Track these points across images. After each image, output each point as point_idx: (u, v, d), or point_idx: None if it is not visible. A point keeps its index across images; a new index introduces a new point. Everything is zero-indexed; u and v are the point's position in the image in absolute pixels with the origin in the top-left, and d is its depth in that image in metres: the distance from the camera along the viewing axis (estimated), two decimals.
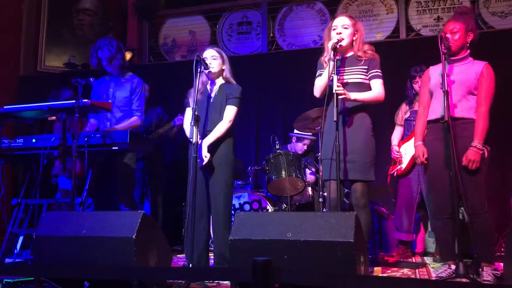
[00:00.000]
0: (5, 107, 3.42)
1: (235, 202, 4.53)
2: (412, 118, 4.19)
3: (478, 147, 2.95)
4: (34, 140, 3.48)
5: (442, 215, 3.05)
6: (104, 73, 3.94)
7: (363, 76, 3.14)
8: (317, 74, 3.24)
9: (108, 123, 3.81)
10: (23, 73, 6.26)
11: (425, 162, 3.14)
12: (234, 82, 3.42)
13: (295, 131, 4.79)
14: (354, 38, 3.16)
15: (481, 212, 2.97)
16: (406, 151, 4.16)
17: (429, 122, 3.17)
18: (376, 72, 3.15)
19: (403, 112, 4.30)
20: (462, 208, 3.55)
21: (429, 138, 3.16)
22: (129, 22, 6.54)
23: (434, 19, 5.55)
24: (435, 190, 3.10)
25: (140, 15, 6.50)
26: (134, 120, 3.79)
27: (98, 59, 3.81)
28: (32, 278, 2.73)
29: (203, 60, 3.23)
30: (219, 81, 3.40)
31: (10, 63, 6.09)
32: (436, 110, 3.10)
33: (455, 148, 2.93)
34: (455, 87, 3.05)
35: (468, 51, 3.14)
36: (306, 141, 4.93)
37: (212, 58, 3.34)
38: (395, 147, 4.26)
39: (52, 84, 5.39)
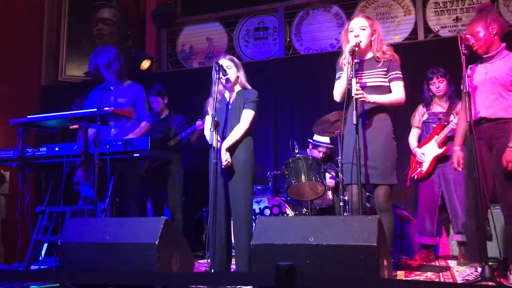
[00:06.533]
0: (28, 116, 3.49)
1: (255, 207, 4.53)
2: (430, 120, 4.14)
3: None
4: (57, 149, 3.53)
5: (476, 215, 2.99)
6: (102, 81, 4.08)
7: (382, 79, 3.10)
8: (336, 77, 3.21)
9: (113, 130, 3.91)
10: (45, 83, 6.38)
11: (459, 169, 3.10)
12: (249, 87, 3.43)
13: (314, 136, 4.77)
14: (372, 39, 3.12)
15: None
16: (426, 154, 4.11)
17: None
18: (396, 74, 3.09)
19: (420, 114, 4.23)
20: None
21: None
22: (147, 30, 6.63)
23: (453, 20, 5.49)
24: (467, 190, 3.07)
25: (158, 23, 6.58)
26: (143, 125, 3.99)
27: (97, 65, 3.97)
28: (58, 284, 2.78)
29: (221, 66, 3.25)
30: (236, 88, 3.41)
31: (32, 73, 6.22)
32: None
33: (494, 150, 2.89)
34: (489, 85, 2.98)
35: (503, 44, 3.05)
36: (322, 149, 4.89)
37: (227, 68, 3.34)
38: (417, 150, 4.15)
39: (73, 93, 5.48)
